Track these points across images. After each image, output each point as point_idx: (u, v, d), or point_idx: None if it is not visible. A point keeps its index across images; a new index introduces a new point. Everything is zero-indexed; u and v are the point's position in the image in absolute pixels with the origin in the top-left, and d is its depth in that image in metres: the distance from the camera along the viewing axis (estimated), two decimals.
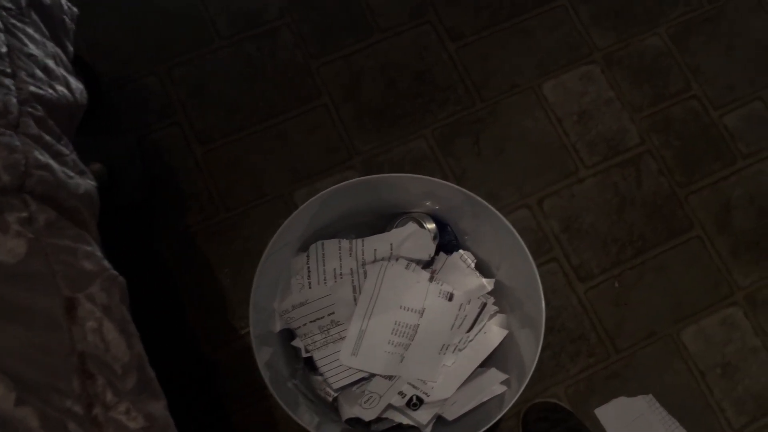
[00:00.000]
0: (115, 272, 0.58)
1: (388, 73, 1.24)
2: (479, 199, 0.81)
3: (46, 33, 0.78)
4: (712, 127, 1.25)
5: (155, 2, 1.24)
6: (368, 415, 0.81)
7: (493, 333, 0.84)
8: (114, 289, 0.57)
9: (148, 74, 1.21)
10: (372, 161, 1.18)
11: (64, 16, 0.85)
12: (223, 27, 1.24)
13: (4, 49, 0.64)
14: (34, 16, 0.77)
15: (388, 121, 1.21)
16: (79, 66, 1.15)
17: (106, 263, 0.58)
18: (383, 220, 0.92)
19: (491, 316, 0.87)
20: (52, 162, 0.60)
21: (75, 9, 0.89)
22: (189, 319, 1.11)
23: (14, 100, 0.60)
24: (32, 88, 0.64)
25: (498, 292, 0.90)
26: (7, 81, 0.61)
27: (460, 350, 0.84)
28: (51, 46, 0.77)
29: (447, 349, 0.84)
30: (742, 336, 1.16)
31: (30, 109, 0.62)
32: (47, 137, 0.62)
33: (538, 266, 1.15)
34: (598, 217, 1.19)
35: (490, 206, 0.81)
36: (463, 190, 0.82)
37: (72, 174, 0.62)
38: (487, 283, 0.89)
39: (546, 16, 1.29)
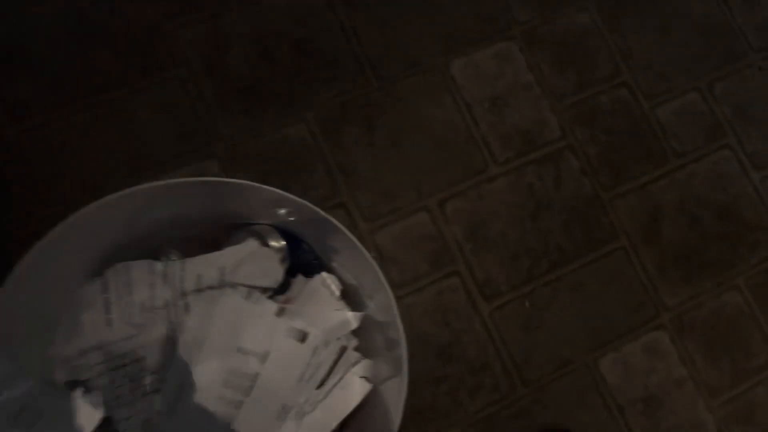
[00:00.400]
0: None
1: (264, 42, 1.00)
2: (333, 220, 0.60)
3: None
4: (643, 120, 1.08)
5: None
6: None
7: (353, 388, 0.64)
8: None
9: None
10: (237, 148, 0.96)
11: None
12: None
13: None
14: None
15: (260, 101, 0.98)
16: None
17: None
18: (221, 232, 0.69)
19: (353, 364, 0.67)
20: None
21: None
22: None
23: None
24: None
25: (368, 330, 0.70)
26: None
27: (306, 413, 0.63)
28: None
29: (288, 412, 0.63)
30: (667, 365, 1.00)
31: None
32: None
33: (438, 281, 0.97)
34: (509, 223, 1.00)
35: (340, 226, 0.60)
36: (313, 207, 0.61)
37: None
38: (353, 318, 0.69)
39: None
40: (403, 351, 0.58)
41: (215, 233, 0.69)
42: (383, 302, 0.64)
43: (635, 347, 0.99)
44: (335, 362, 0.66)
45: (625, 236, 1.03)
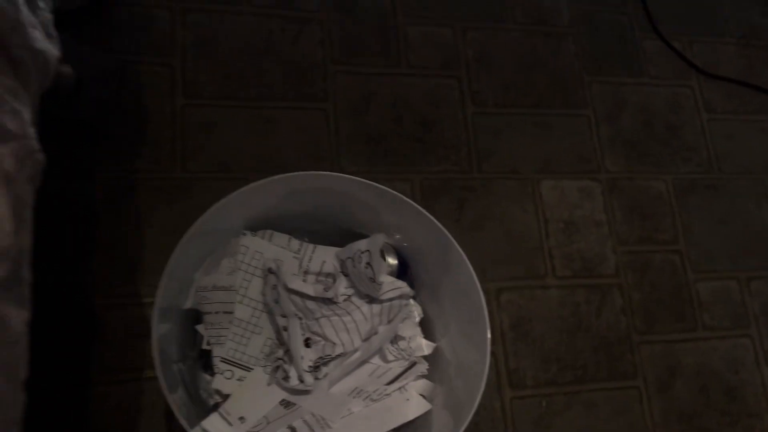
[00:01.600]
0: (36, 146, 0.48)
1: (399, 108, 1.18)
2: (456, 246, 0.74)
3: None
4: (685, 287, 1.22)
5: None
6: None
7: (413, 402, 0.75)
8: (27, 162, 0.46)
9: (160, 6, 1.12)
10: None
11: None
12: None
13: None
14: None
15: (382, 152, 1.14)
16: None
17: (31, 132, 0.47)
18: (344, 237, 0.83)
19: (417, 377, 0.78)
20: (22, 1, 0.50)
21: None
22: (93, 267, 0.97)
23: None
24: None
25: (432, 359, 0.81)
26: None
27: (372, 401, 0.74)
28: None
29: (359, 394, 0.74)
30: None
31: None
32: None
33: None
34: (549, 329, 1.12)
35: (466, 259, 0.73)
36: (446, 232, 0.75)
37: (37, 27, 0.52)
38: (426, 346, 0.80)
39: (568, 118, 1.27)
40: (478, 395, 0.69)
41: (340, 235, 0.83)
42: (461, 343, 0.76)
43: None
44: (404, 371, 0.77)
45: (642, 379, 1.14)
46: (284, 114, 1.12)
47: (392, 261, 0.79)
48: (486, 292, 1.09)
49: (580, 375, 1.11)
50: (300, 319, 0.73)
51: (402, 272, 0.81)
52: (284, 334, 0.72)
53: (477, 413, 1.04)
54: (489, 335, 0.73)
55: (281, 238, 0.79)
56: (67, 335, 0.92)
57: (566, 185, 1.22)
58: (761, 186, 1.33)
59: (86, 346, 0.92)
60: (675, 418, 1.14)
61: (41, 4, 0.55)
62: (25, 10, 0.50)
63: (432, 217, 0.76)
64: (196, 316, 0.78)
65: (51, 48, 0.55)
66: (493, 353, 1.08)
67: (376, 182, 1.12)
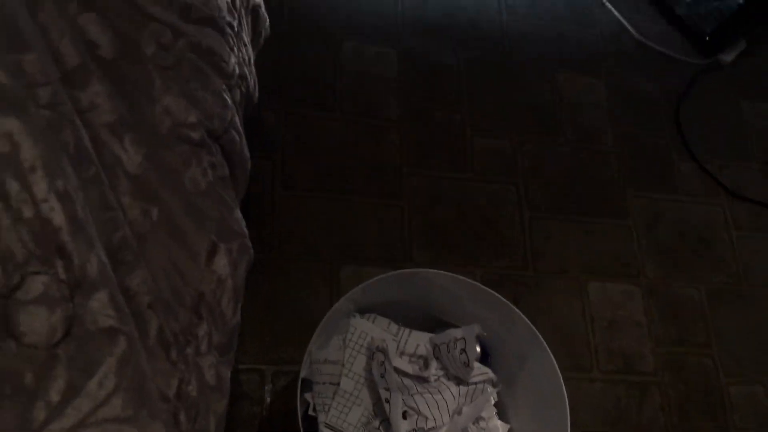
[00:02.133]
0: (250, 244, 0.62)
1: (464, 207, 1.33)
2: (539, 336, 0.86)
3: (250, 36, 0.88)
4: (717, 390, 1.32)
5: (301, 60, 1.37)
6: None
7: None
8: (244, 256, 0.61)
9: (269, 109, 1.30)
10: None
11: (262, 30, 0.96)
12: (348, 105, 1.36)
13: (236, 29, 0.73)
14: (244, 23, 0.88)
15: (448, 247, 1.29)
16: None
17: (246, 232, 0.62)
18: (433, 324, 0.96)
19: None
20: (241, 131, 0.66)
21: (268, 30, 1.00)
22: None
23: (237, 70, 0.68)
24: (245, 69, 0.72)
25: None
26: (235, 52, 0.70)
27: None
28: (249, 48, 0.87)
29: None
30: None
31: (240, 83, 0.69)
32: (241, 112, 0.69)
33: None
34: (593, 419, 1.23)
35: (547, 348, 0.86)
36: (527, 321, 0.88)
37: (247, 152, 0.68)
38: (501, 427, 0.92)
39: (612, 227, 1.42)
40: None
41: (429, 322, 0.96)
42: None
43: None
44: None
45: None
46: (365, 208, 1.28)
47: (478, 349, 0.92)
48: None
49: None
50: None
51: (483, 360, 0.94)
52: (386, 405, 0.84)
53: None
54: (568, 419, 0.84)
55: (383, 321, 0.93)
56: None
57: (610, 287, 1.36)
58: None
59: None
60: None
61: (242, 132, 0.72)
62: (241, 138, 0.67)
63: (521, 313, 0.89)
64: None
65: (249, 167, 0.71)
66: None
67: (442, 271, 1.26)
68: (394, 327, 0.93)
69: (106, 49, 0.50)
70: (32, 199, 0.41)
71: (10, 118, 0.40)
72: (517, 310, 0.89)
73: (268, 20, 0.97)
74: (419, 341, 0.92)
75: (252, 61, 0.88)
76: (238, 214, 0.62)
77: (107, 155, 0.47)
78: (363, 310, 0.93)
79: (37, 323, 0.43)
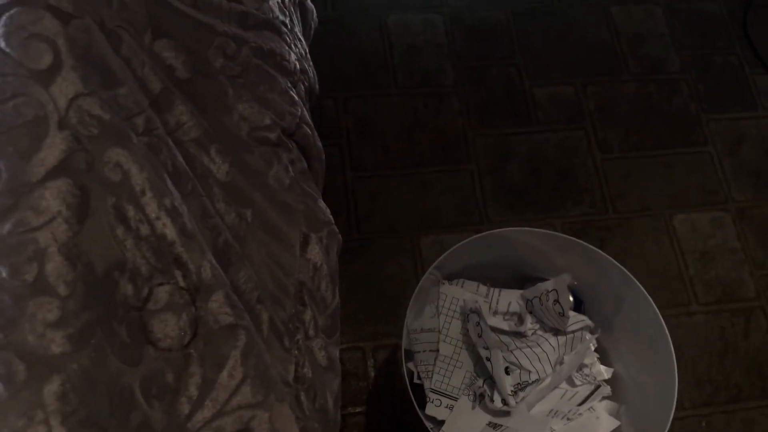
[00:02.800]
0: (336, 229, 0.65)
1: (535, 162, 1.32)
2: (632, 277, 0.86)
3: (301, 29, 0.91)
4: None
5: (350, 42, 1.39)
6: None
7: (603, 419, 0.86)
8: (334, 241, 0.64)
9: (327, 97, 1.33)
10: None
11: (312, 23, 0.98)
12: (402, 78, 1.37)
13: (290, 26, 0.75)
14: (295, 18, 0.90)
15: (524, 202, 1.29)
16: None
17: (332, 219, 0.66)
18: (520, 282, 0.97)
19: (602, 399, 0.89)
20: (311, 124, 0.69)
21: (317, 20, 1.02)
22: None
23: (297, 66, 0.70)
24: (304, 64, 0.75)
25: (611, 382, 0.92)
26: (293, 49, 0.72)
27: (569, 419, 0.86)
28: (303, 42, 0.89)
29: (556, 414, 0.86)
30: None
31: (302, 77, 0.72)
32: (307, 105, 0.72)
33: None
34: (699, 353, 1.21)
35: (642, 288, 0.85)
36: (617, 263, 0.87)
37: (319, 143, 0.71)
38: (605, 371, 0.92)
39: (690, 156, 1.37)
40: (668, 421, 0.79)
41: (517, 280, 0.97)
42: (641, 367, 0.87)
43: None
44: (591, 393, 0.88)
45: None
46: (436, 177, 1.29)
47: (570, 298, 0.92)
48: None
49: (735, 395, 1.18)
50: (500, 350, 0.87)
51: (577, 308, 0.94)
52: (487, 364, 0.86)
53: None
54: (673, 355, 0.84)
55: (471, 285, 0.95)
56: None
57: (696, 218, 1.32)
58: None
59: None
60: None
61: (311, 122, 0.75)
62: (313, 130, 0.69)
63: (609, 257, 0.89)
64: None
65: (324, 156, 0.74)
66: None
67: (522, 227, 1.26)
68: (483, 289, 0.95)
69: (181, 70, 0.54)
70: (147, 218, 0.45)
71: (117, 149, 0.44)
72: (605, 254, 0.89)
73: (315, 11, 0.99)
74: (511, 298, 0.93)
75: (308, 53, 0.91)
76: (322, 203, 0.65)
77: (198, 168, 0.51)
78: (450, 277, 0.95)
79: (168, 328, 0.48)
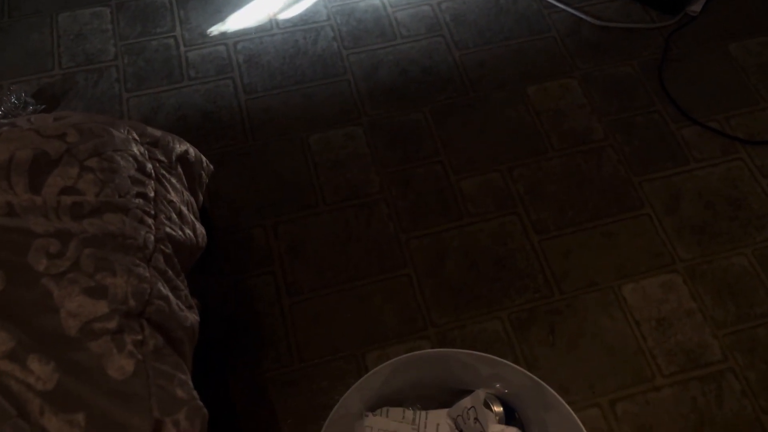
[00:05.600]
0: (201, 404, 0.63)
1: (471, 255, 1.31)
2: (550, 389, 0.82)
3: (185, 184, 0.92)
4: None
5: (273, 166, 1.41)
6: None
7: None
8: (197, 419, 0.62)
9: (256, 226, 1.34)
10: (446, 335, 1.22)
11: (202, 171, 1.00)
12: (329, 194, 1.38)
13: (151, 194, 0.76)
14: (179, 169, 0.92)
15: (466, 299, 1.26)
16: (201, 213, 1.31)
17: (195, 393, 0.63)
18: (450, 396, 0.93)
19: None
20: (170, 295, 0.68)
21: (211, 166, 1.04)
22: None
23: (152, 238, 0.70)
24: (167, 229, 0.75)
25: None
26: (149, 221, 0.73)
27: None
28: (187, 195, 0.90)
29: None
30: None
31: (162, 247, 0.72)
32: (170, 272, 0.72)
33: None
34: (673, 431, 1.14)
35: (559, 397, 0.81)
36: (534, 377, 0.84)
37: (183, 307, 0.70)
38: None
39: (630, 222, 1.35)
40: None
41: (445, 397, 0.93)
42: None
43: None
44: None
45: None
46: (374, 288, 1.27)
47: (497, 409, 0.88)
48: (599, 407, 1.15)
49: None
50: None
51: (510, 416, 0.90)
52: None
53: None
54: None
55: (396, 412, 0.91)
56: None
57: (646, 284, 1.28)
58: None
59: None
60: None
61: (181, 285, 0.74)
62: (174, 300, 0.69)
63: (516, 366, 0.85)
64: None
65: (194, 316, 0.73)
66: None
67: (467, 326, 1.23)
68: (409, 414, 0.91)
69: None
70: None
71: None
72: (517, 367, 0.86)
73: (205, 160, 1.01)
74: (439, 420, 0.89)
75: (194, 206, 0.91)
76: (183, 376, 0.63)
77: (13, 386, 0.50)
78: (373, 407, 0.92)
79: None
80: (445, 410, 0.90)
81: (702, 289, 1.27)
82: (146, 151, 0.81)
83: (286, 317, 1.25)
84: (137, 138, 0.82)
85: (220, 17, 1.63)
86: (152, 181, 0.78)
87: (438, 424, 0.89)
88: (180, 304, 0.70)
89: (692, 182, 1.40)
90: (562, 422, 0.84)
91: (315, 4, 1.66)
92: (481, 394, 0.83)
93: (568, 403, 1.14)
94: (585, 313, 1.25)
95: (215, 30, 1.61)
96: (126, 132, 0.80)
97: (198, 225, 0.88)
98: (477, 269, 1.30)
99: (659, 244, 1.32)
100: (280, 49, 1.58)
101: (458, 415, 0.86)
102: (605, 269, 1.30)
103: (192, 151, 0.96)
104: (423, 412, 0.91)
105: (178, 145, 0.90)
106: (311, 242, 1.33)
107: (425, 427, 0.89)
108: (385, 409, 0.91)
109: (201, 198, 0.98)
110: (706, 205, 1.37)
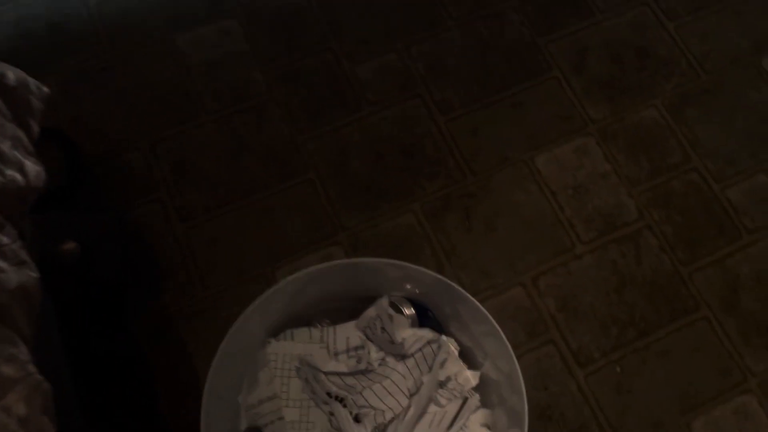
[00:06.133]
0: (39, 378, 0.53)
1: (376, 147, 1.21)
2: (453, 284, 0.76)
3: (8, 115, 0.76)
4: (715, 201, 1.19)
5: (143, 77, 1.24)
6: None
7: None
8: (35, 397, 0.52)
9: (131, 149, 1.19)
10: (358, 237, 1.14)
11: (30, 96, 0.83)
12: (209, 102, 1.23)
13: None
14: None
15: (375, 196, 1.17)
16: (59, 142, 1.14)
17: (30, 368, 0.53)
18: (361, 303, 0.86)
19: (473, 412, 0.80)
20: None
21: (45, 89, 0.87)
22: (161, 407, 1.04)
23: None
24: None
25: (483, 386, 0.83)
26: None
27: None
28: (11, 128, 0.75)
29: None
30: (755, 426, 1.06)
31: None
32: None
33: (535, 348, 1.09)
34: (596, 296, 1.12)
35: (462, 290, 0.75)
36: (438, 276, 0.77)
37: (6, 267, 0.58)
38: (472, 377, 0.83)
39: (538, 88, 1.27)
40: (524, 400, 0.71)
41: (356, 305, 0.86)
42: (501, 361, 0.78)
43: (725, 410, 1.07)
44: (459, 409, 0.79)
45: (706, 307, 1.13)
46: (276, 199, 1.17)
47: (408, 312, 0.82)
48: (522, 285, 1.11)
49: (643, 328, 1.11)
50: (341, 400, 0.77)
51: (424, 316, 0.84)
52: (332, 419, 0.76)
53: (557, 403, 1.06)
54: (506, 343, 0.75)
55: (302, 333, 0.84)
56: None
57: (559, 152, 1.22)
58: (753, 69, 1.29)
59: None
60: (755, 333, 1.12)
61: (4, 239, 0.61)
62: None
63: (419, 267, 0.78)
64: None
65: (28, 274, 0.61)
66: (551, 341, 1.10)
67: (380, 224, 1.15)
68: (316, 333, 0.84)
69: None
70: None
71: None
72: (419, 268, 0.79)
73: (33, 83, 0.84)
74: (348, 333, 0.83)
75: (23, 140, 0.77)
76: (10, 350, 0.52)
77: None
78: (277, 331, 0.84)
79: None
80: (353, 323, 0.84)
81: (615, 148, 1.22)
82: None
83: (182, 245, 1.13)
84: None
85: None
86: None
87: (348, 338, 0.82)
88: (3, 264, 0.58)
89: (599, 35, 1.31)
90: (475, 315, 0.79)
91: None
92: (384, 303, 0.77)
93: (491, 287, 1.11)
94: (500, 193, 1.19)
95: None
96: None
97: (29, 162, 0.73)
98: (383, 162, 1.20)
99: (569, 107, 1.25)
100: None
101: (366, 327, 0.80)
102: (516, 142, 1.22)
103: (11, 74, 0.79)
104: (331, 328, 0.84)
105: None
106: (197, 159, 1.19)
107: (335, 343, 0.83)
108: (289, 332, 0.84)
109: (36, 128, 0.82)
110: (614, 58, 1.30)
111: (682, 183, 1.21)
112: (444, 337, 0.85)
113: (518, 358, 1.03)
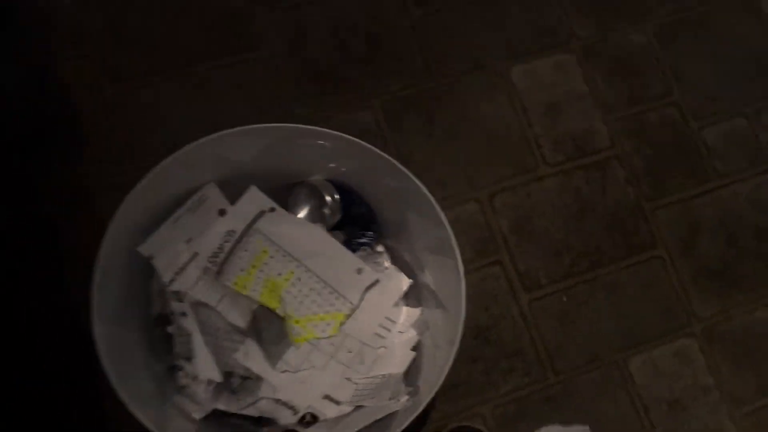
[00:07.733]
0: None
1: (341, 33, 1.08)
2: (402, 168, 0.67)
3: None
4: (690, 139, 1.13)
5: None
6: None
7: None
8: None
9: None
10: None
11: None
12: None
13: None
14: None
15: (332, 83, 1.06)
16: None
17: None
18: (283, 190, 0.76)
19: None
20: None
21: None
22: (72, 289, 0.94)
23: None
24: None
25: (419, 295, 0.76)
26: None
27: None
28: None
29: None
30: (694, 372, 1.03)
31: None
32: None
33: (482, 268, 1.03)
34: (554, 221, 1.06)
35: (410, 175, 0.66)
36: (382, 153, 0.68)
37: None
38: (404, 282, 0.75)
39: None
40: (462, 312, 0.64)
41: (278, 191, 0.76)
42: (439, 272, 0.70)
43: (666, 351, 1.03)
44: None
45: (662, 246, 1.08)
46: (218, 73, 1.04)
47: (329, 198, 0.73)
48: (478, 201, 1.04)
49: (597, 259, 1.05)
50: None
51: (348, 200, 0.74)
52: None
53: (497, 325, 1.00)
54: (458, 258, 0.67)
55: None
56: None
57: (538, 65, 1.13)
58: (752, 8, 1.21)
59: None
60: (706, 277, 1.08)
61: None
62: None
63: (358, 140, 0.68)
64: None
65: None
66: (499, 262, 1.03)
67: (334, 119, 1.05)
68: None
69: None
70: None
71: None
72: (351, 138, 0.69)
73: None
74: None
75: None
76: None
77: None
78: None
79: None
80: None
81: (596, 70, 1.14)
82: None
83: (113, 109, 1.00)
84: None
85: None
86: None
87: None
88: None
89: None
90: (423, 216, 0.70)
91: None
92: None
93: (444, 199, 1.03)
94: (467, 100, 1.09)
95: None
96: None
97: None
98: (345, 49, 1.08)
99: (554, 17, 1.15)
100: None
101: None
102: (492, 47, 1.12)
103: None
104: None
105: None
106: (133, 18, 1.04)
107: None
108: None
109: None
110: None
111: (659, 116, 1.13)
112: (369, 248, 0.76)
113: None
